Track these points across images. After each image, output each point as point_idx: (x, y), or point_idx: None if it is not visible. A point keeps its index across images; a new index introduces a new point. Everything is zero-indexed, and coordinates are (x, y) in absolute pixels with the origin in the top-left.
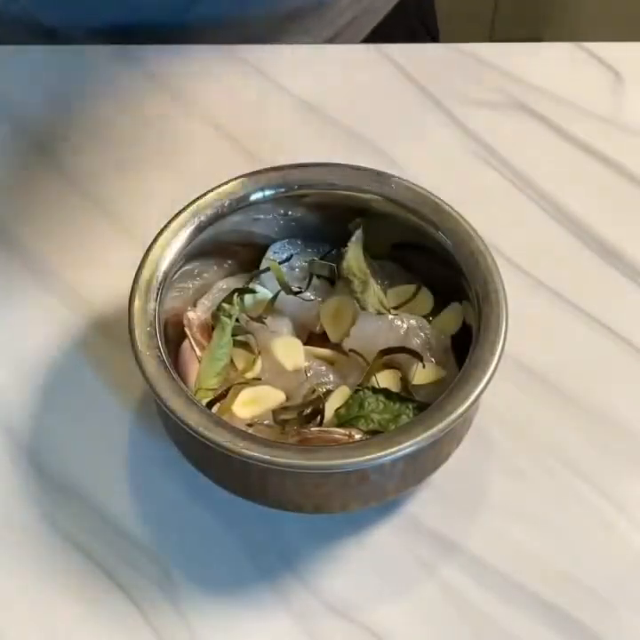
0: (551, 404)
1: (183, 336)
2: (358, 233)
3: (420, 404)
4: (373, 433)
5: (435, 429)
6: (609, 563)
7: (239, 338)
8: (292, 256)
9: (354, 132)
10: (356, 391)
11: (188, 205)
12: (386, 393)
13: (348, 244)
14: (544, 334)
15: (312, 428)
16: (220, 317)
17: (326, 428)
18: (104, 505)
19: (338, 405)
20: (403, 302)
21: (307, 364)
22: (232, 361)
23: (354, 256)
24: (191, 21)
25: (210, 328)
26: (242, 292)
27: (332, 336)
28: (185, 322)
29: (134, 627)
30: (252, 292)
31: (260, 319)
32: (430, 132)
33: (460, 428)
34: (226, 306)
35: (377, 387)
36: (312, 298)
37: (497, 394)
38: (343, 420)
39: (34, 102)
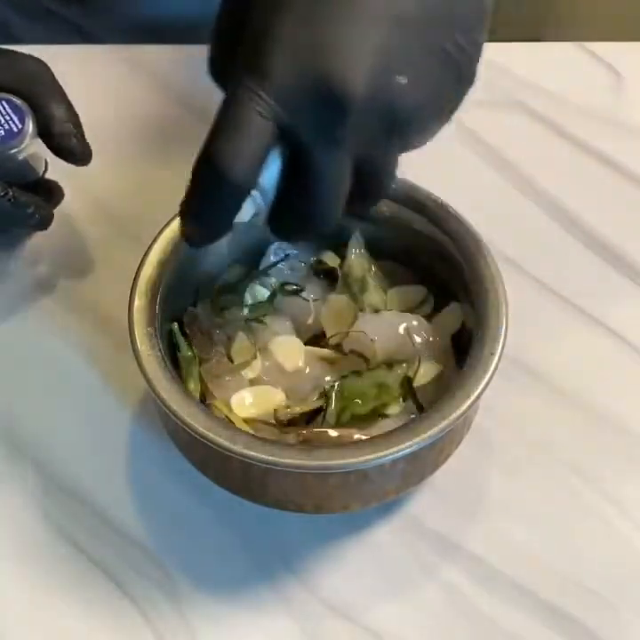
0: (551, 404)
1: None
2: (358, 233)
3: (420, 404)
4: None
5: (435, 429)
6: (609, 562)
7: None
8: (290, 255)
9: None
10: (332, 388)
11: None
12: (353, 373)
13: (349, 243)
14: (544, 334)
15: (312, 428)
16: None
17: (326, 428)
18: (104, 505)
19: (336, 405)
20: (404, 304)
21: (307, 363)
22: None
23: (354, 256)
24: None
25: (210, 327)
26: (224, 291)
27: (332, 336)
28: (185, 321)
29: (134, 627)
30: (233, 291)
31: (259, 319)
32: None
33: (460, 428)
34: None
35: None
36: (312, 298)
37: (497, 394)
38: (341, 416)
39: None
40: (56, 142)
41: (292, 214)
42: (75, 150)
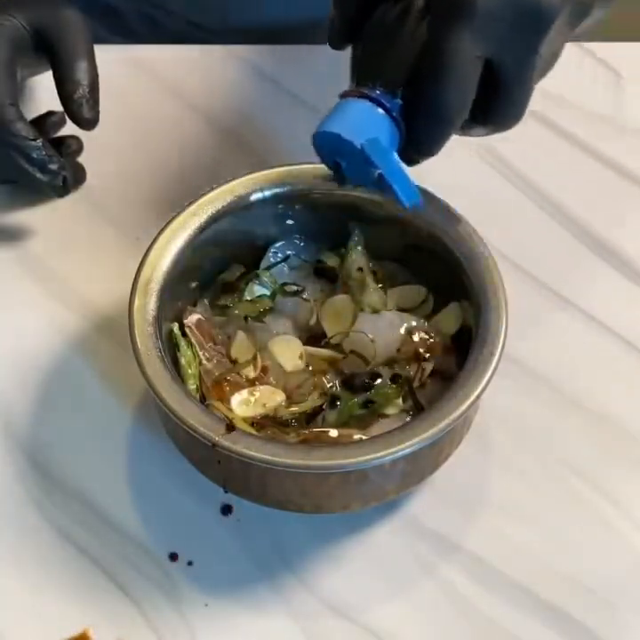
0: (551, 404)
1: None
2: (358, 233)
3: (420, 404)
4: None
5: (435, 429)
6: (608, 562)
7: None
8: (290, 256)
9: None
10: (332, 388)
11: (188, 205)
12: (353, 374)
13: (348, 244)
14: (544, 334)
15: (312, 428)
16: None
17: (326, 428)
18: (104, 505)
19: (336, 405)
20: (404, 304)
21: (307, 363)
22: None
23: (354, 256)
24: None
25: (210, 327)
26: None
27: (332, 336)
28: (185, 321)
29: (134, 627)
30: (234, 291)
31: (259, 319)
32: None
33: (460, 428)
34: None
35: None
36: (312, 298)
37: (497, 394)
38: (340, 416)
39: (36, 101)
40: (70, 106)
41: (495, 117)
42: (83, 118)
